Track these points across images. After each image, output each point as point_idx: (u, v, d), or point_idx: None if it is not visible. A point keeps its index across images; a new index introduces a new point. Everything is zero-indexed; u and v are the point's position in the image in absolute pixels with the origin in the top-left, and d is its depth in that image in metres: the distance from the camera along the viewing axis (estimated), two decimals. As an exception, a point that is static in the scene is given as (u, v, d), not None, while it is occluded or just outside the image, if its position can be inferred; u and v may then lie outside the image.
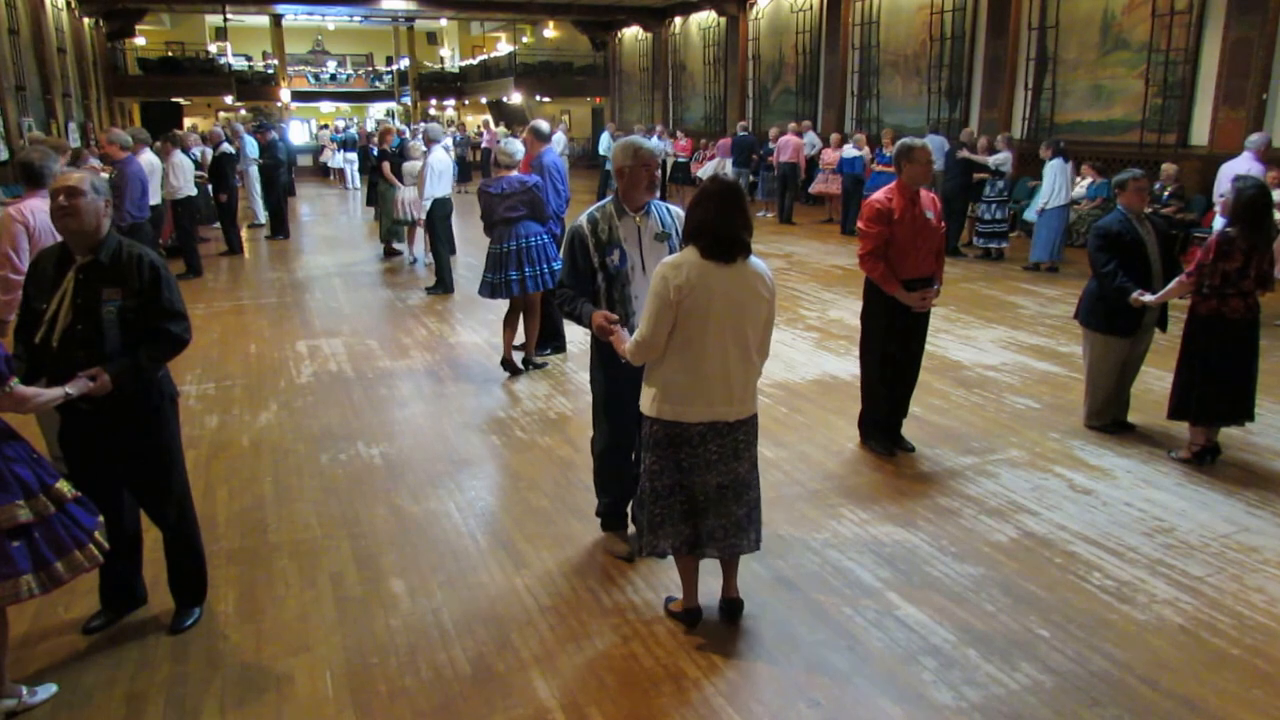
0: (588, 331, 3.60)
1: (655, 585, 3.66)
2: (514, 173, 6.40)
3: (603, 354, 3.68)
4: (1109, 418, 5.33)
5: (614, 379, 3.69)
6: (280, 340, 7.74)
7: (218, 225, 12.91)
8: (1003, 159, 11.07)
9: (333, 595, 3.63)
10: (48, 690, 3.01)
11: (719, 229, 3.04)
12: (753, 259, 3.13)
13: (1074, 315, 5.50)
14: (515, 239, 6.32)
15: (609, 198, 3.75)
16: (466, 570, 3.82)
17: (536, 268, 6.35)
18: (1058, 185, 10.01)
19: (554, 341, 7.14)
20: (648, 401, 3.20)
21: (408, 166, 10.88)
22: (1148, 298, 4.89)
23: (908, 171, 4.72)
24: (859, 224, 4.89)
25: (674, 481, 3.20)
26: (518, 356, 6.72)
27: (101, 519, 2.98)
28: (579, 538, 4.09)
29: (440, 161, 9.60)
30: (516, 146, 6.56)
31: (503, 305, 6.70)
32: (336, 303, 9.31)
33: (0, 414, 2.83)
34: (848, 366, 6.48)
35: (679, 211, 3.70)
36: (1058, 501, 4.43)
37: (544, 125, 7.31)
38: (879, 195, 4.84)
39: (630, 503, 3.92)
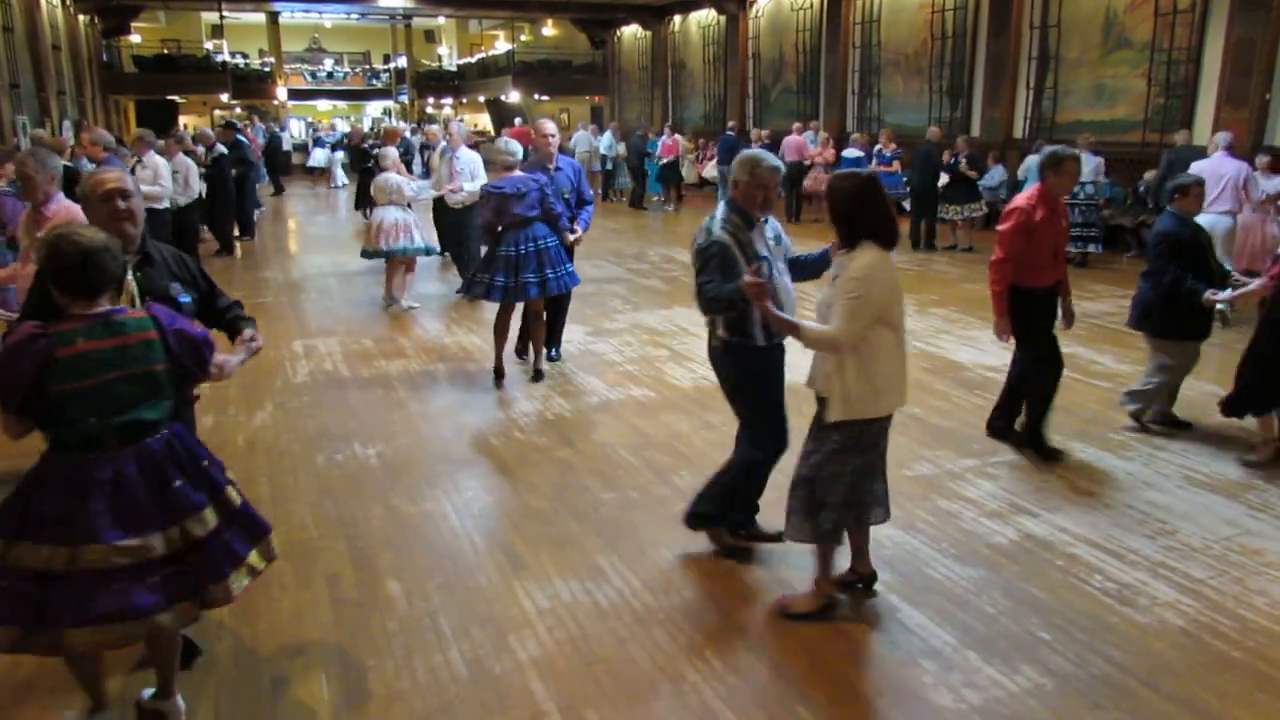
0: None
1: (654, 588, 3.64)
2: (517, 172, 6.31)
3: (755, 360, 3.65)
4: (1168, 416, 5.32)
5: (773, 384, 3.71)
6: (276, 340, 7.69)
7: (205, 229, 12.78)
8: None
9: (329, 597, 3.61)
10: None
11: (891, 222, 3.25)
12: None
13: (1131, 325, 5.33)
14: (532, 240, 6.10)
15: (720, 211, 3.61)
16: (463, 572, 3.80)
17: (556, 269, 6.20)
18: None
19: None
20: (854, 403, 3.26)
21: (381, 180, 8.68)
22: (1221, 296, 4.84)
23: (1052, 182, 4.65)
24: (999, 227, 4.75)
25: (857, 467, 3.36)
26: (513, 365, 6.65)
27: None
28: (577, 539, 4.07)
29: (470, 160, 8.97)
30: (515, 146, 6.49)
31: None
32: (332, 302, 9.27)
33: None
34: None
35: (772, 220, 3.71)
36: (1059, 503, 4.41)
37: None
38: (1021, 201, 4.74)
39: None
